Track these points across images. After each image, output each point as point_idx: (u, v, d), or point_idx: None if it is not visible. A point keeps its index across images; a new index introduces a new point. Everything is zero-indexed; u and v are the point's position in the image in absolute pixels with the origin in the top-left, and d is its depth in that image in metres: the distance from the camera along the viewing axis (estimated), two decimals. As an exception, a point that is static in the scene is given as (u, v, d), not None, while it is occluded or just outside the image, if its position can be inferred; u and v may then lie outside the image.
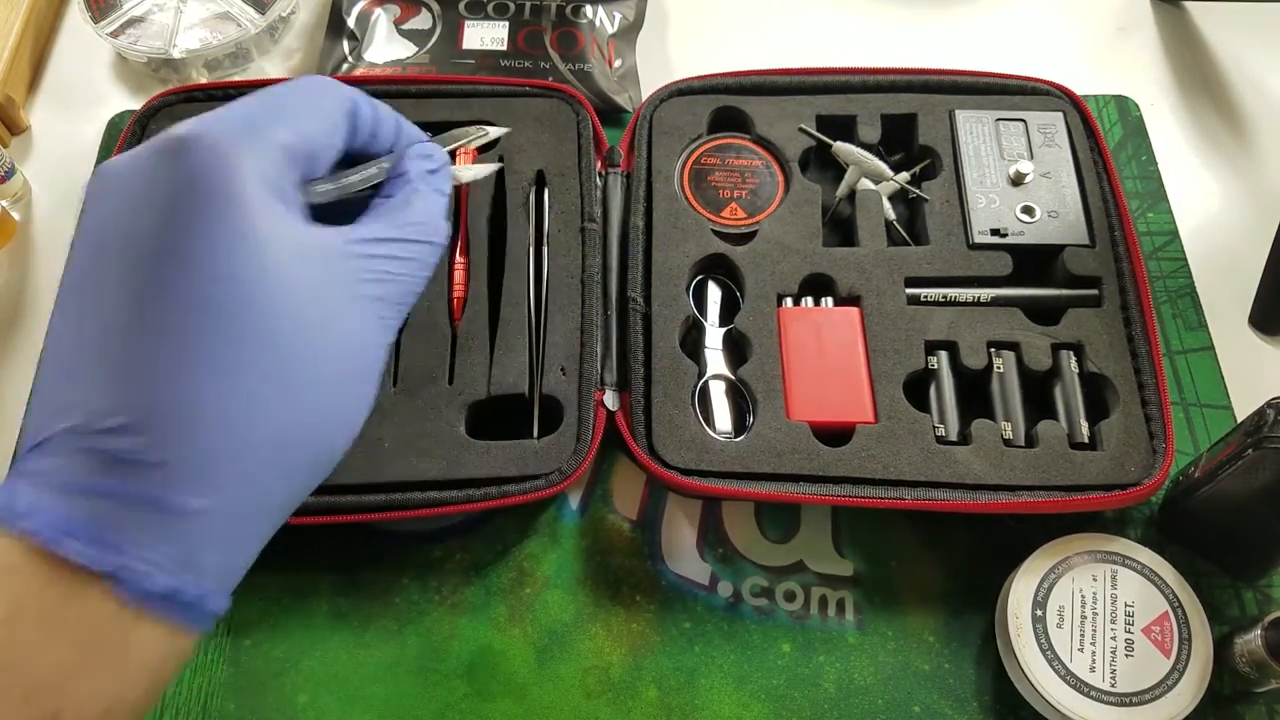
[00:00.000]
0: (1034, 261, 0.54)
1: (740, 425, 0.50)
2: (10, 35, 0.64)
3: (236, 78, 0.66)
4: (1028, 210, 0.54)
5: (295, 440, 0.28)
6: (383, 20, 0.67)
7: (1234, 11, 0.68)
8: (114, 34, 0.64)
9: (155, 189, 0.28)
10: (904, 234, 0.56)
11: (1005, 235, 0.54)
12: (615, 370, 0.51)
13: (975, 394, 0.51)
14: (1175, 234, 0.59)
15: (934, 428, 0.49)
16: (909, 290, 0.52)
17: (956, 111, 0.57)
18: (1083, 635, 0.44)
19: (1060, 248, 0.53)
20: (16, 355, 0.56)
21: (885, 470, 0.47)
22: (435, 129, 0.58)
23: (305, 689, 0.46)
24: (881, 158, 0.57)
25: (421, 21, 0.67)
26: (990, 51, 0.67)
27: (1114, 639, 0.44)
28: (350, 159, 0.36)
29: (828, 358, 0.50)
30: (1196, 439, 0.52)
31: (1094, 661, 0.44)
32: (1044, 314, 0.52)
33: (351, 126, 0.35)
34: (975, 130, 0.57)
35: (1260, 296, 0.56)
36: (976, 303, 0.52)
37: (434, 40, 0.66)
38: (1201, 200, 0.61)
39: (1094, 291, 0.52)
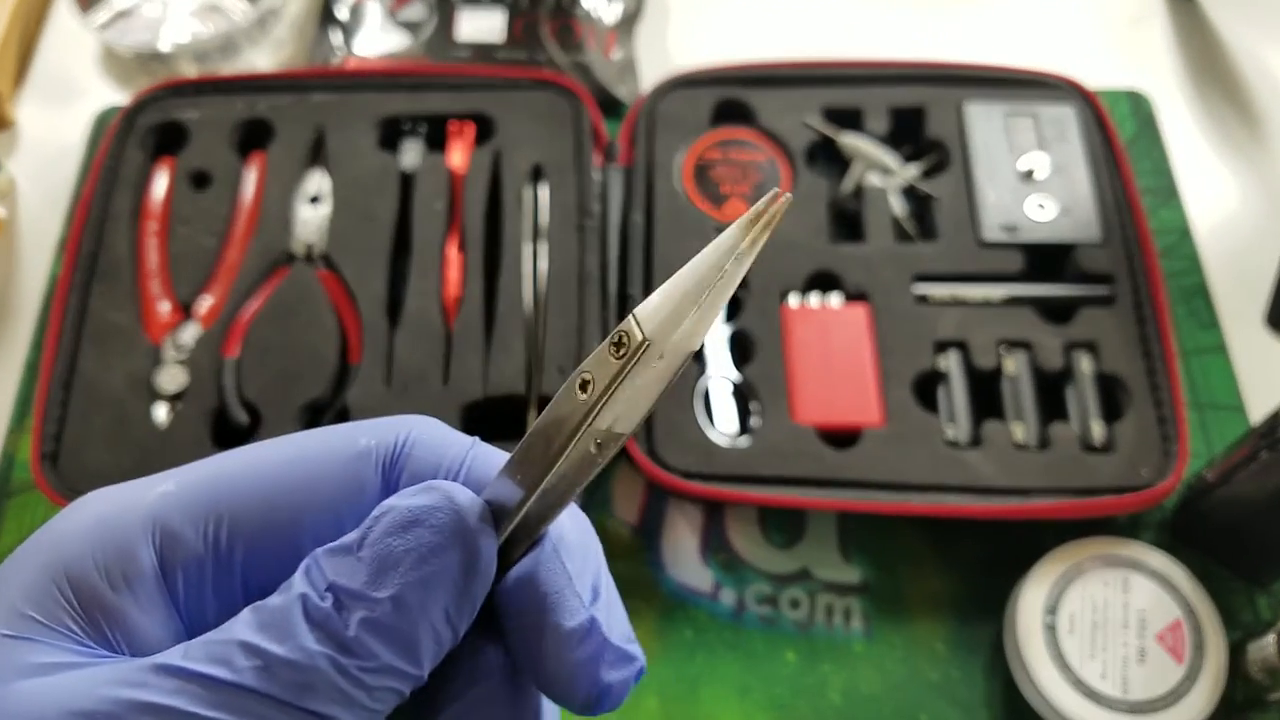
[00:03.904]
0: (1045, 259, 0.53)
1: (744, 427, 0.49)
2: (-4, 27, 0.63)
3: (226, 71, 0.65)
4: (1039, 206, 0.53)
5: None
6: (375, 10, 0.65)
7: (1248, 4, 0.67)
8: (102, 27, 0.63)
9: None
10: (912, 230, 0.54)
11: (1016, 232, 0.53)
12: (615, 370, 0.50)
13: (986, 395, 0.50)
14: (1188, 231, 0.58)
15: (944, 430, 0.48)
16: (918, 288, 0.51)
17: (966, 105, 0.56)
18: (1094, 642, 0.43)
19: (1072, 245, 0.52)
20: (1, 352, 0.55)
21: (893, 474, 0.46)
22: (430, 121, 0.58)
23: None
24: (889, 152, 0.56)
25: (415, 11, 0.65)
26: (1000, 44, 0.66)
27: (1126, 646, 0.43)
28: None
29: (834, 358, 0.49)
30: (1210, 441, 0.51)
31: (1105, 669, 0.43)
32: (1056, 312, 0.51)
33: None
34: (985, 124, 0.56)
35: (1276, 295, 0.55)
36: (987, 301, 0.51)
37: (428, 31, 0.65)
38: (1215, 197, 0.60)
39: (1107, 290, 0.51)
